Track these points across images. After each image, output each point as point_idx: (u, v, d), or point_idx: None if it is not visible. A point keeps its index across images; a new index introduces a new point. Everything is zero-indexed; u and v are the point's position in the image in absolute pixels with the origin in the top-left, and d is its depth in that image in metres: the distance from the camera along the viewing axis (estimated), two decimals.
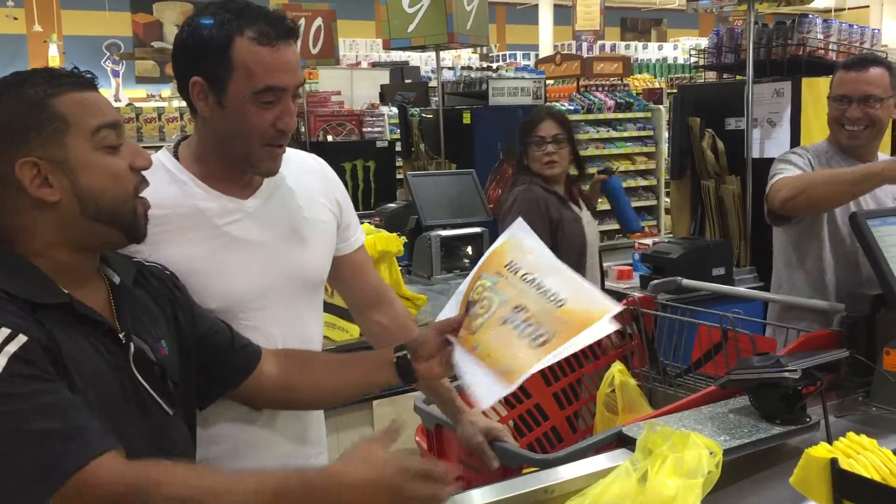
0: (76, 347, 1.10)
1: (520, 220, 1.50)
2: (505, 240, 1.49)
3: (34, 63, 18.18)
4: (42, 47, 17.79)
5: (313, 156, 1.69)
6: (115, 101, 16.17)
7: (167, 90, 15.61)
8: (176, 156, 1.49)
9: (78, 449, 0.99)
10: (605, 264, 3.68)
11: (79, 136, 1.12)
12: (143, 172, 1.21)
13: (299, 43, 1.54)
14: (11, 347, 1.01)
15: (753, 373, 1.71)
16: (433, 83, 8.53)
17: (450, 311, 1.46)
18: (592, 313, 1.34)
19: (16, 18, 16.26)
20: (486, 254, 1.50)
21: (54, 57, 17.89)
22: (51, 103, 1.11)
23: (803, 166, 2.48)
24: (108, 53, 18.79)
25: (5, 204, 1.12)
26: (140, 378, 1.17)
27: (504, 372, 1.34)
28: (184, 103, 7.44)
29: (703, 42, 13.37)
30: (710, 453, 1.37)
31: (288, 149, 1.51)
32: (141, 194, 1.19)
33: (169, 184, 1.44)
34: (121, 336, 1.17)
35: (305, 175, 1.61)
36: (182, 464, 1.11)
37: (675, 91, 9.74)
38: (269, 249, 1.49)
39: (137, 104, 8.67)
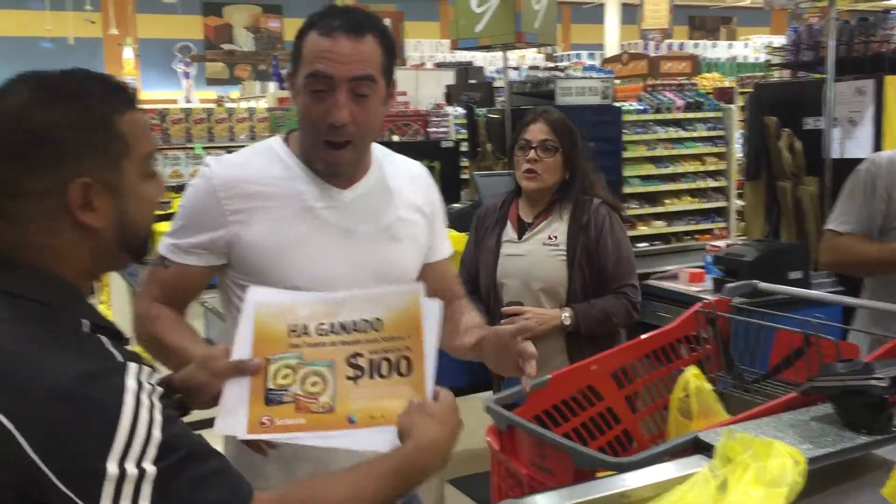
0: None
1: (249, 292, 1.32)
2: (253, 319, 1.28)
3: (110, 65, 18.76)
4: (117, 50, 18.35)
5: (417, 163, 1.73)
6: (186, 101, 16.60)
7: (236, 91, 15.94)
8: (286, 142, 1.55)
9: (242, 484, 0.97)
10: (675, 266, 3.61)
11: (133, 161, 1.04)
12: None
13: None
14: (150, 382, 0.95)
15: (838, 380, 1.66)
16: (498, 83, 8.51)
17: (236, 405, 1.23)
18: (411, 307, 1.28)
19: (93, 22, 16.80)
20: (244, 346, 1.26)
21: (129, 59, 18.45)
22: (115, 121, 1.02)
23: (863, 206, 2.46)
24: (180, 56, 19.27)
25: (42, 221, 0.99)
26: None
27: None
28: (252, 104, 7.55)
29: (776, 40, 13.06)
30: (794, 462, 1.32)
31: (394, 153, 1.60)
32: None
33: (273, 164, 1.51)
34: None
35: (406, 178, 1.65)
36: (317, 477, 1.09)
37: (747, 90, 9.53)
38: (360, 241, 1.52)
39: (208, 105, 8.87)
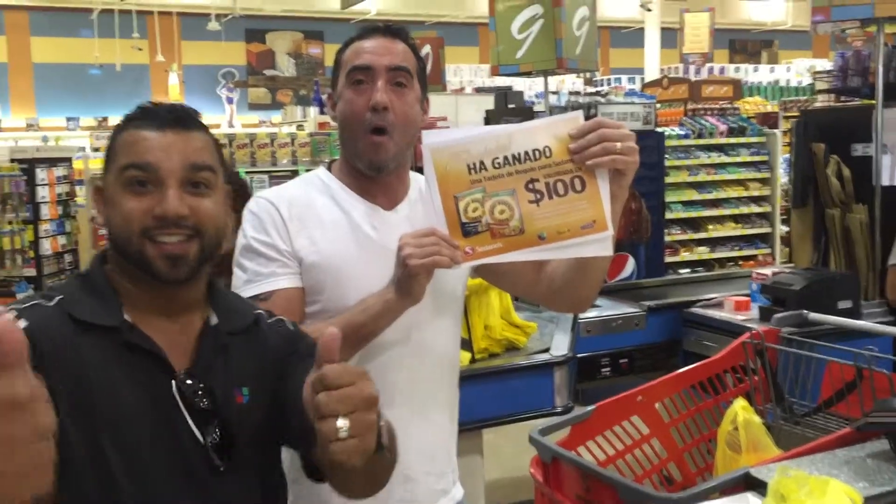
0: (110, 379, 1.05)
1: (423, 135, 1.44)
2: (432, 162, 1.42)
3: (156, 91, 19.17)
4: (163, 76, 18.75)
5: None
6: (230, 126, 16.86)
7: (277, 116, 16.17)
8: (329, 170, 1.62)
9: None
10: (719, 294, 3.55)
11: (114, 172, 1.12)
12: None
13: None
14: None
15: (895, 416, 1.61)
16: (538, 108, 8.51)
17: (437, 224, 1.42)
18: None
19: (140, 49, 17.20)
20: (432, 188, 1.42)
21: (174, 85, 18.83)
22: (116, 137, 1.14)
23: None
24: (224, 81, 19.63)
25: None
26: (188, 418, 1.09)
27: (587, 228, 1.41)
28: (294, 129, 7.62)
29: (819, 64, 12.89)
30: (851, 502, 1.28)
31: None
32: (160, 239, 1.09)
33: (320, 191, 1.57)
34: (180, 373, 1.10)
35: None
36: None
37: (791, 115, 9.40)
38: None
39: (251, 130, 9.00)
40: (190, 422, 1.09)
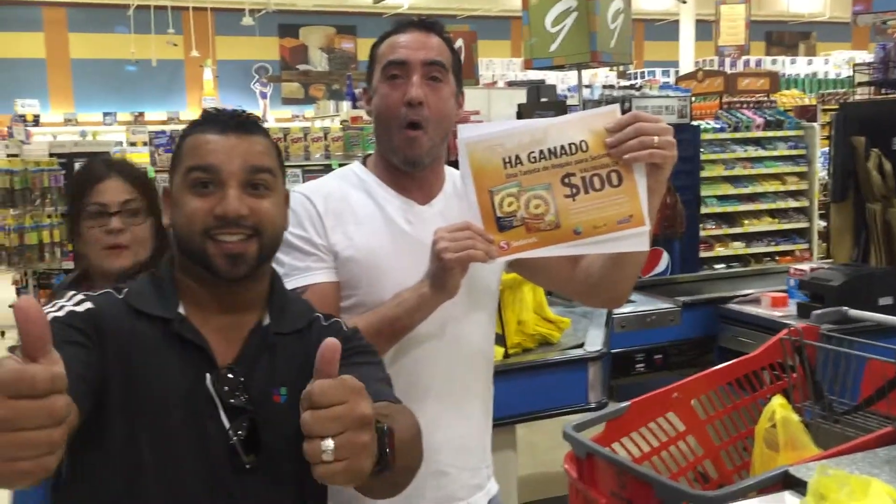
0: (154, 366, 1.09)
1: (459, 129, 1.43)
2: (467, 156, 1.42)
3: (190, 86, 19.38)
4: (197, 71, 18.94)
5: None
6: (263, 121, 16.95)
7: (310, 111, 16.25)
8: (365, 164, 1.62)
9: None
10: (755, 290, 3.50)
11: (179, 173, 1.17)
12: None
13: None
14: (73, 306, 1.09)
15: None
16: (570, 101, 8.44)
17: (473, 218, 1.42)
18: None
19: (175, 45, 17.39)
20: (467, 182, 1.42)
21: (208, 80, 19.02)
22: (182, 142, 1.19)
23: None
24: (257, 76, 19.78)
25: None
26: (221, 412, 1.09)
27: (624, 222, 1.40)
28: (327, 123, 7.64)
29: (858, 56, 12.65)
30: (893, 502, 1.26)
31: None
32: (221, 238, 1.13)
33: (355, 186, 1.57)
34: (222, 368, 1.12)
35: None
36: None
37: (829, 108, 9.23)
38: None
39: (284, 125, 9.06)
40: (223, 416, 1.10)
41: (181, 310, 1.15)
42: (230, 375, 1.12)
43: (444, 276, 1.39)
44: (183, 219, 1.15)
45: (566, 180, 1.40)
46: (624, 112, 1.43)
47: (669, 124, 1.44)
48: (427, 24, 1.56)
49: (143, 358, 1.10)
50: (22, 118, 14.75)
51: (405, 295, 1.43)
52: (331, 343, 0.86)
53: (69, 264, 7.74)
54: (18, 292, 7.26)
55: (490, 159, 1.41)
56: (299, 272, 1.49)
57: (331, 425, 0.84)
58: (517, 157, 1.41)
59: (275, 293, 1.23)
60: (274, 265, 1.52)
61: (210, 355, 1.12)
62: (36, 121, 15.93)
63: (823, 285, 2.98)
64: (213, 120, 1.18)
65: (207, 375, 1.11)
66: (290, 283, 1.48)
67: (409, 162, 1.52)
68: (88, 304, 1.10)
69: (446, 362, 1.54)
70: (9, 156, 7.67)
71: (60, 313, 1.07)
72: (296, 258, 1.50)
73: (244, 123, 1.19)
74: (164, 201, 1.22)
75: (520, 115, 8.03)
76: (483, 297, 1.60)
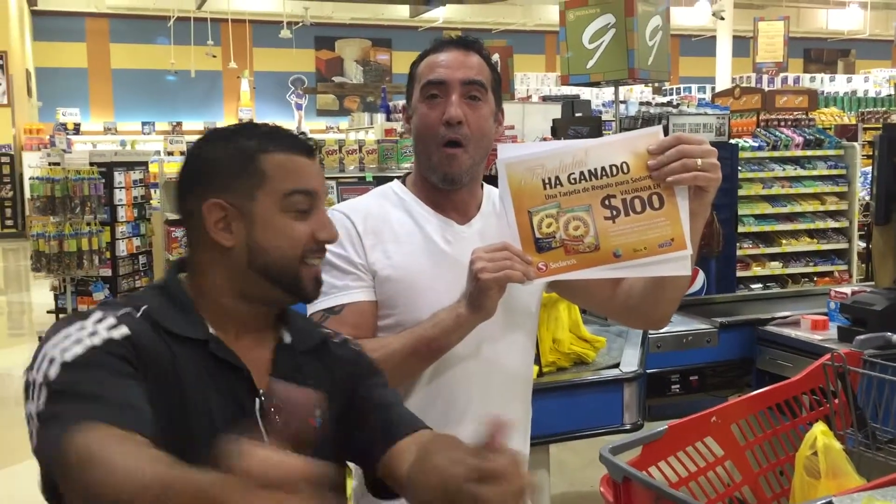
0: (203, 393, 1.07)
1: (499, 149, 1.42)
2: (507, 177, 1.41)
3: (227, 96, 19.65)
4: (235, 83, 19.21)
5: None
6: (298, 133, 17.13)
7: (345, 123, 16.39)
8: (404, 183, 1.62)
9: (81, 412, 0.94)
10: (795, 312, 3.45)
11: (271, 194, 1.13)
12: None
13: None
14: (108, 331, 1.03)
15: None
16: (605, 117, 8.41)
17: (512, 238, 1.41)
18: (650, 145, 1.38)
19: (214, 56, 17.65)
20: (506, 203, 1.41)
21: (245, 91, 19.27)
22: (259, 158, 1.13)
23: None
24: (293, 88, 19.99)
25: (190, 236, 1.17)
26: (263, 431, 1.10)
27: (665, 246, 1.39)
28: (361, 135, 7.69)
29: None
30: None
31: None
32: (311, 262, 1.15)
33: (395, 205, 1.58)
34: (260, 390, 1.12)
35: None
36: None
37: (870, 126, 9.08)
38: None
39: (319, 136, 9.13)
40: (266, 440, 1.08)
41: (211, 329, 1.13)
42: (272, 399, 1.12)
43: (481, 296, 1.38)
44: (282, 240, 1.13)
45: (606, 202, 1.39)
46: (664, 132, 1.41)
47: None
48: (467, 42, 1.56)
49: (191, 387, 1.07)
50: (63, 126, 15.04)
51: (442, 315, 1.43)
52: (502, 420, 0.92)
53: (107, 271, 7.86)
54: (56, 299, 7.40)
55: (529, 180, 1.41)
56: (337, 290, 1.49)
57: (504, 501, 0.89)
58: (557, 178, 1.40)
59: (288, 310, 1.23)
60: None
61: (249, 377, 1.12)
62: (77, 129, 16.24)
63: (866, 309, 2.92)
64: (294, 141, 1.17)
65: (257, 402, 1.11)
66: (327, 302, 1.49)
67: (447, 180, 1.51)
68: (124, 330, 1.05)
69: (484, 384, 1.53)
70: (50, 164, 7.83)
71: (97, 341, 1.02)
72: (334, 276, 1.50)
73: (310, 147, 1.19)
74: (215, 215, 1.13)
75: (554, 131, 8.01)
76: (521, 318, 1.59)
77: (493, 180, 1.52)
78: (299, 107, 19.33)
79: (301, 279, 1.15)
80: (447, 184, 1.52)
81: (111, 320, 1.05)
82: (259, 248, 1.12)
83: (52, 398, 0.96)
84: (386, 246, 1.52)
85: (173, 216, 5.93)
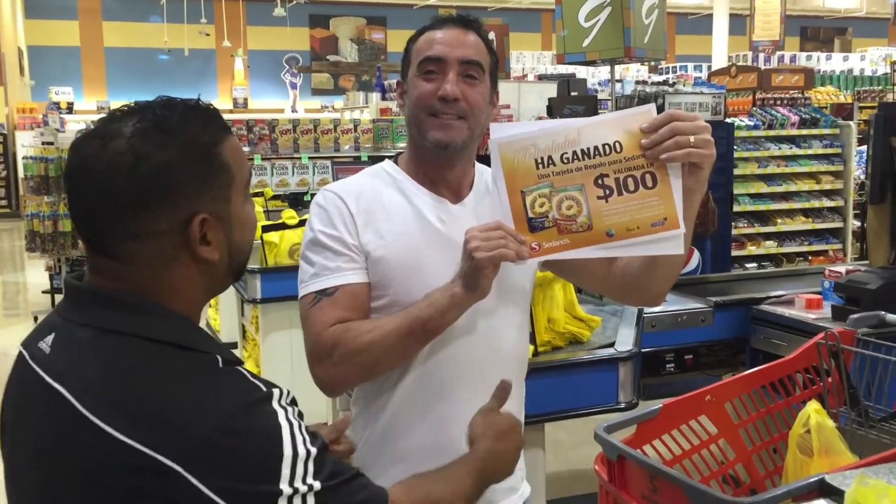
0: None
1: (491, 129, 1.42)
2: (499, 157, 1.41)
3: (221, 75, 19.52)
4: (229, 61, 19.07)
5: None
6: (293, 111, 17.07)
7: (339, 102, 16.31)
8: (396, 162, 1.61)
9: (378, 488, 1.04)
10: (789, 291, 3.46)
11: (238, 189, 1.04)
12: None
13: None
14: (288, 402, 0.99)
15: None
16: (601, 95, 8.38)
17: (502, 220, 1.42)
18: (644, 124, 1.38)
19: (207, 34, 17.51)
20: (499, 183, 1.41)
21: (239, 70, 19.14)
22: (218, 151, 1.01)
23: None
24: (287, 66, 19.87)
25: (163, 259, 0.99)
26: None
27: (658, 225, 1.38)
28: (356, 114, 7.65)
29: None
30: None
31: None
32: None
33: (387, 184, 1.57)
34: None
35: None
36: (427, 473, 1.20)
37: (866, 105, 9.06)
38: None
39: (314, 115, 9.10)
40: None
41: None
42: None
43: (475, 275, 1.38)
44: (252, 230, 1.10)
45: (599, 181, 1.39)
46: (659, 110, 1.41)
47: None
48: (467, 21, 1.55)
49: None
50: (56, 106, 14.95)
51: (436, 295, 1.42)
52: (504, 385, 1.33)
53: None
54: (52, 279, 7.37)
55: (522, 160, 1.40)
56: (330, 272, 1.49)
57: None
58: (550, 157, 1.40)
59: None
60: (304, 264, 1.53)
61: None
62: (70, 108, 16.14)
63: (860, 288, 2.93)
64: None
65: None
66: (320, 283, 1.48)
67: (441, 145, 1.49)
68: (289, 393, 1.02)
69: (479, 362, 1.53)
70: (44, 143, 7.78)
71: (312, 446, 0.98)
72: (327, 258, 1.49)
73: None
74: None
75: (550, 109, 7.99)
76: (516, 296, 1.59)
77: (485, 160, 1.52)
78: (294, 86, 19.22)
79: (247, 262, 1.12)
80: (440, 148, 1.50)
81: (276, 397, 0.98)
82: (237, 249, 1.06)
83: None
84: (379, 226, 1.51)
85: None
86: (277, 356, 4.62)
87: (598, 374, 2.58)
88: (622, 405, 2.59)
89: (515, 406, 1.62)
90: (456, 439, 1.49)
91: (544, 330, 2.64)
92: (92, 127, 1.00)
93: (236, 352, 5.95)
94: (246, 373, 0.99)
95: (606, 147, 1.38)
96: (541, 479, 2.53)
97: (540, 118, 7.33)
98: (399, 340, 1.41)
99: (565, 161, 1.39)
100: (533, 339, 2.58)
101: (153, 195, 0.96)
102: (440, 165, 1.54)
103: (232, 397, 0.94)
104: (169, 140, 0.97)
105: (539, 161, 1.40)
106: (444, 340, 1.48)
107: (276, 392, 0.98)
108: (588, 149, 1.39)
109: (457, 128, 1.49)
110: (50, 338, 1.00)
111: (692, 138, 1.36)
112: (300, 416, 0.99)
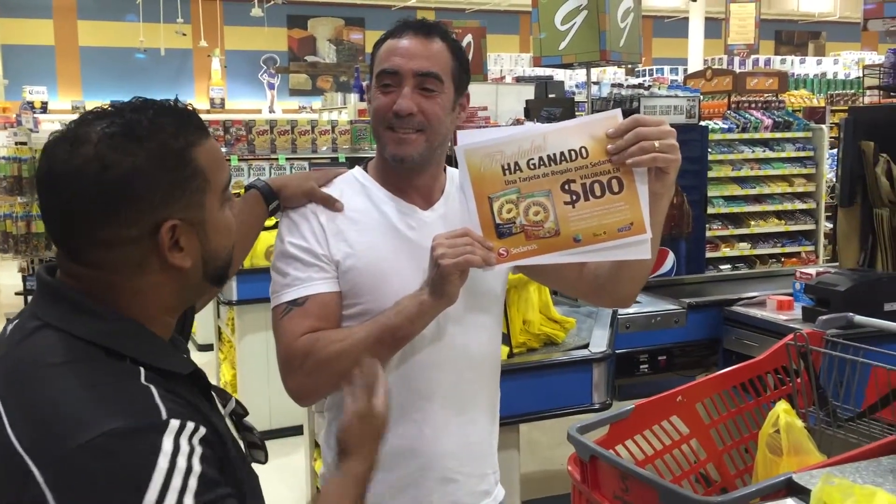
0: (226, 428, 1.03)
1: (458, 136, 1.43)
2: (466, 164, 1.41)
3: (198, 75, 19.38)
4: (206, 61, 18.93)
5: None
6: (270, 111, 16.98)
7: (317, 102, 16.25)
8: (366, 169, 1.61)
9: None
10: (761, 293, 3.50)
11: (214, 193, 1.01)
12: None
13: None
14: (193, 442, 0.89)
15: None
16: (578, 98, 8.42)
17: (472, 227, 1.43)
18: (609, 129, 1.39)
19: (184, 34, 17.38)
20: (466, 190, 1.42)
21: (216, 70, 19.01)
22: (191, 156, 0.98)
23: None
24: (265, 67, 19.76)
25: (132, 266, 0.97)
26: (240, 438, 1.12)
27: (624, 230, 1.40)
28: (334, 115, 7.57)
29: (868, 56, 12.55)
30: None
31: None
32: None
33: (357, 192, 1.57)
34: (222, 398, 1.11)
35: None
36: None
37: (838, 109, 9.18)
38: None
39: (291, 116, 9.06)
40: (235, 434, 1.10)
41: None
42: (235, 403, 1.18)
43: (442, 282, 1.38)
44: (229, 236, 1.07)
45: (566, 187, 1.40)
46: (631, 112, 1.42)
47: (677, 125, 1.43)
48: (429, 27, 1.52)
49: (221, 426, 1.02)
50: (30, 105, 14.76)
51: (405, 302, 1.43)
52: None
53: None
54: (25, 280, 7.29)
55: (489, 166, 1.41)
56: (300, 282, 1.49)
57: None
58: (516, 163, 1.41)
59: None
60: (275, 275, 1.53)
61: (224, 392, 1.15)
62: (44, 108, 15.95)
63: (829, 290, 2.97)
64: None
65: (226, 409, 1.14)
66: (291, 294, 1.49)
67: (397, 159, 1.50)
68: (200, 432, 0.91)
69: (451, 368, 1.54)
70: (17, 143, 7.68)
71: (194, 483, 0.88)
72: (297, 269, 1.50)
73: None
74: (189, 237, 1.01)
75: (527, 112, 8.02)
76: (486, 301, 1.60)
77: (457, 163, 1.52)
78: (272, 86, 19.12)
79: (228, 267, 1.09)
80: (396, 162, 1.51)
81: (200, 432, 0.90)
82: (212, 255, 1.03)
83: None
84: (348, 235, 1.51)
85: None
86: (253, 358, 4.60)
87: (572, 376, 2.60)
88: (596, 406, 2.61)
89: (489, 412, 1.63)
90: (429, 444, 1.50)
91: (519, 331, 2.66)
92: (64, 129, 0.98)
93: (211, 354, 5.89)
94: (156, 395, 0.91)
95: (573, 153, 1.40)
96: (515, 481, 2.55)
97: (518, 120, 7.36)
98: (369, 349, 1.41)
99: (532, 167, 1.40)
100: (508, 341, 2.59)
101: (120, 202, 0.94)
102: (404, 175, 1.55)
103: (122, 416, 0.86)
104: (137, 146, 0.94)
105: (506, 167, 1.40)
106: (414, 347, 1.49)
107: (174, 425, 0.88)
108: (554, 154, 1.40)
109: (413, 142, 1.48)
110: (11, 325, 1.01)
111: (657, 143, 1.37)
112: (208, 460, 0.89)
